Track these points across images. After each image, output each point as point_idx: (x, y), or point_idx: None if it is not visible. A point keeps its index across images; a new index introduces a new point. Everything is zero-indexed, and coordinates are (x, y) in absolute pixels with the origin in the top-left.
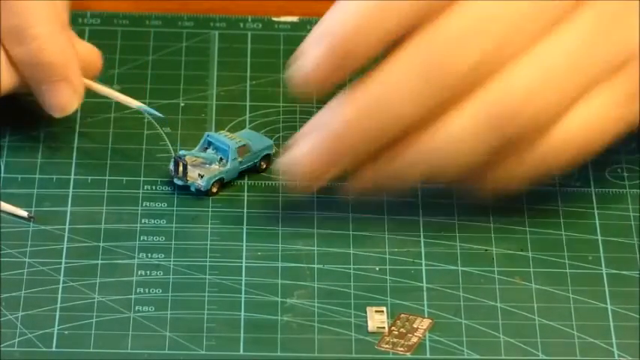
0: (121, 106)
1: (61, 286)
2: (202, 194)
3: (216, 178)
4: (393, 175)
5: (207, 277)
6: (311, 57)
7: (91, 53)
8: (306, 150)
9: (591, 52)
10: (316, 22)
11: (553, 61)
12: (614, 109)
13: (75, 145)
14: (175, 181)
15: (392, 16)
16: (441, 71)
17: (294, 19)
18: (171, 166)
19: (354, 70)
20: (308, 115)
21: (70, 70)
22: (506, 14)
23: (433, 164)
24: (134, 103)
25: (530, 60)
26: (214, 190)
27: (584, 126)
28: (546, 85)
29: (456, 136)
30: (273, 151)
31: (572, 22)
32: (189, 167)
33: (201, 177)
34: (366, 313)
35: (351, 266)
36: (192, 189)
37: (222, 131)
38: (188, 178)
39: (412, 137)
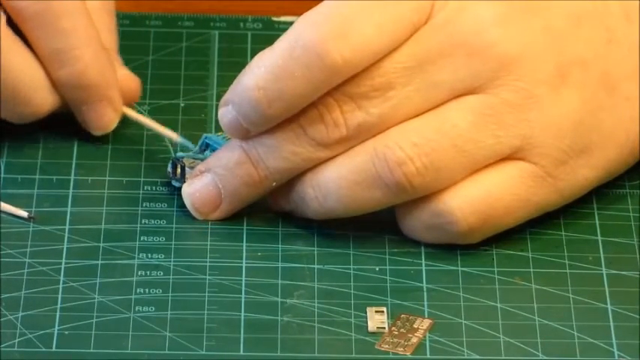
0: None
1: (61, 286)
2: None
3: None
4: (296, 205)
5: (207, 277)
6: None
7: (129, 80)
8: (194, 190)
9: (476, 137)
10: None
11: (434, 136)
12: (514, 188)
13: (75, 145)
14: (173, 182)
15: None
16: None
17: (294, 19)
18: (169, 168)
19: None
20: None
21: (110, 90)
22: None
23: (322, 200)
24: (173, 135)
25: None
26: None
27: (479, 198)
28: (426, 155)
29: (338, 174)
30: None
31: (465, 104)
32: (187, 169)
33: None
34: (366, 313)
35: (351, 266)
36: None
37: (220, 133)
38: (186, 180)
39: (305, 173)
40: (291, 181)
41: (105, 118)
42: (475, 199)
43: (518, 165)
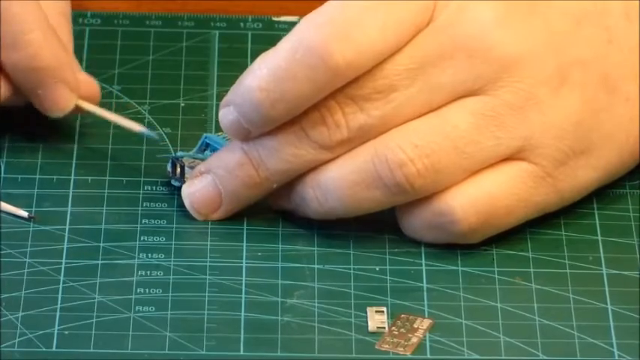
0: (121, 107)
1: (61, 286)
2: None
3: None
4: (296, 205)
5: (207, 277)
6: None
7: (89, 84)
8: (194, 190)
9: (477, 139)
10: None
11: (435, 138)
12: (514, 188)
13: (75, 145)
14: (173, 182)
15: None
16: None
17: (294, 19)
18: (169, 168)
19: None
20: None
21: (65, 71)
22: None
23: (323, 200)
24: (135, 127)
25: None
26: None
27: (480, 197)
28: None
29: (339, 174)
30: None
31: (465, 106)
32: (186, 169)
33: None
34: (366, 313)
35: (351, 266)
36: None
37: (220, 133)
38: (185, 180)
39: (306, 173)
40: (292, 181)
41: (62, 100)
42: (476, 199)
43: (519, 165)
